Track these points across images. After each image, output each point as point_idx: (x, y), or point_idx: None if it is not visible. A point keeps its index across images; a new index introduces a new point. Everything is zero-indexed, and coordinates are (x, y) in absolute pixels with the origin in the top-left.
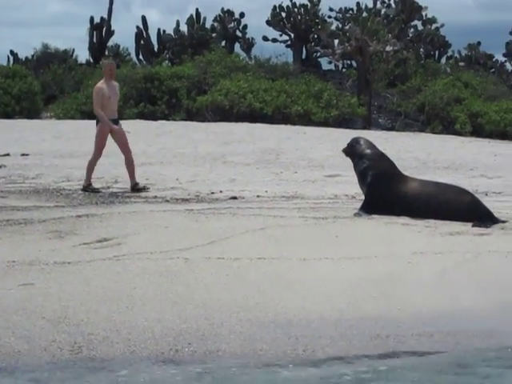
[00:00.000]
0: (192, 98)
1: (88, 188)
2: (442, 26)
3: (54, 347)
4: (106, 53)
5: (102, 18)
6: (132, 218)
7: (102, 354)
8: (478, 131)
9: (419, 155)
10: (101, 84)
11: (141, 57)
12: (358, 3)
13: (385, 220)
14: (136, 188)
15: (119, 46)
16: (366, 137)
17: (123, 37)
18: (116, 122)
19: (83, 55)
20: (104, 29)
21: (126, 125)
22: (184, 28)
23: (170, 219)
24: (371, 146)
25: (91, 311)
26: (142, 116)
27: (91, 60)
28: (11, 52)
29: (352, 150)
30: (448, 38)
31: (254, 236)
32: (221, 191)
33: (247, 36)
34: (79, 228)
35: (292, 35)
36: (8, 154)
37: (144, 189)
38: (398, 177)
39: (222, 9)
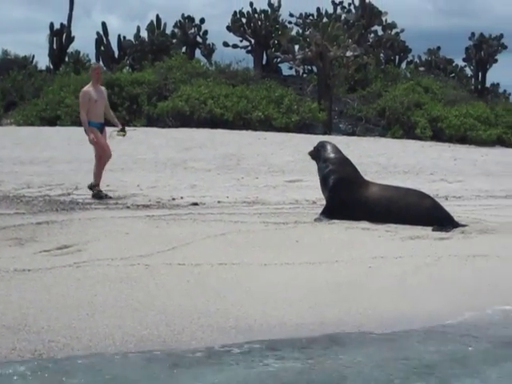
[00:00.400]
0: (153, 103)
1: (97, 193)
2: (402, 31)
3: (14, 355)
4: (66, 59)
5: (62, 25)
6: (92, 225)
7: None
8: (438, 136)
9: (380, 160)
10: (87, 88)
11: (101, 63)
12: (318, 9)
13: (345, 225)
14: (90, 187)
15: (79, 53)
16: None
17: (83, 43)
18: (102, 126)
19: (43, 62)
20: (64, 35)
21: None
22: (144, 34)
23: (131, 225)
24: (336, 150)
25: (52, 318)
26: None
27: (51, 66)
28: None
29: (317, 154)
30: (408, 43)
31: (215, 242)
32: (182, 197)
33: (208, 42)
34: (39, 235)
35: (252, 41)
36: None
37: (101, 197)
38: (360, 182)
39: (183, 15)
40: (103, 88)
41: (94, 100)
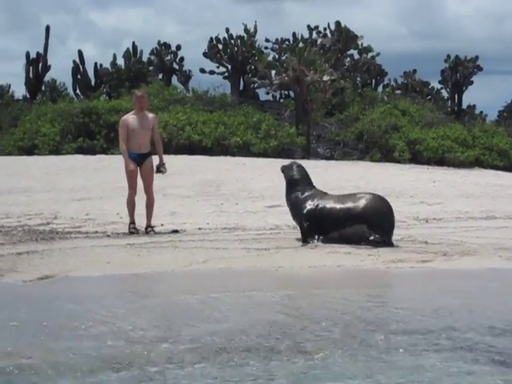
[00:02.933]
0: None
1: (130, 227)
2: (378, 54)
3: None
4: (43, 88)
5: (38, 53)
6: (73, 254)
7: None
8: (416, 158)
9: (359, 183)
10: (127, 116)
11: (78, 91)
12: (293, 34)
13: (327, 249)
14: (147, 231)
15: (56, 81)
16: (306, 166)
17: (60, 71)
18: (143, 157)
19: (20, 91)
20: (40, 64)
21: (65, 160)
22: (121, 61)
23: (112, 254)
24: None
25: None
26: (81, 151)
27: (28, 95)
28: None
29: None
30: (384, 67)
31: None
32: (162, 224)
33: (184, 68)
34: (20, 265)
35: (229, 67)
36: None
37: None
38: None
39: (159, 42)
40: (151, 115)
41: (132, 129)
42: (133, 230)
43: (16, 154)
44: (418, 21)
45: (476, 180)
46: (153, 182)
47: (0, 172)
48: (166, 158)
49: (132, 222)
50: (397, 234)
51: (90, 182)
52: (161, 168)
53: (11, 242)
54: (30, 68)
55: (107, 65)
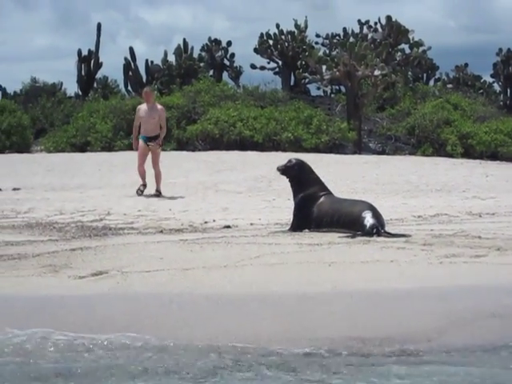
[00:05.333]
0: (182, 127)
1: (139, 188)
2: (429, 48)
3: None
4: (95, 85)
5: (89, 51)
6: (126, 250)
7: None
8: (468, 152)
9: (411, 178)
10: (140, 105)
11: (129, 88)
12: (344, 28)
13: (380, 244)
14: (156, 194)
15: (107, 78)
16: (358, 161)
17: (111, 68)
18: (150, 139)
19: (72, 88)
20: (92, 61)
21: (117, 156)
22: (172, 58)
23: (165, 250)
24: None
25: None
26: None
27: (80, 93)
28: None
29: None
30: (435, 61)
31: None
32: (214, 220)
33: (235, 64)
34: (74, 261)
35: (280, 62)
36: None
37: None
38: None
39: (209, 38)
40: (159, 107)
41: (140, 116)
42: (139, 191)
43: (69, 150)
44: (469, 14)
45: None
46: (158, 158)
47: (53, 169)
48: (218, 154)
49: (142, 185)
50: (450, 229)
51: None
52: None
53: (65, 239)
54: (82, 65)
55: (158, 61)
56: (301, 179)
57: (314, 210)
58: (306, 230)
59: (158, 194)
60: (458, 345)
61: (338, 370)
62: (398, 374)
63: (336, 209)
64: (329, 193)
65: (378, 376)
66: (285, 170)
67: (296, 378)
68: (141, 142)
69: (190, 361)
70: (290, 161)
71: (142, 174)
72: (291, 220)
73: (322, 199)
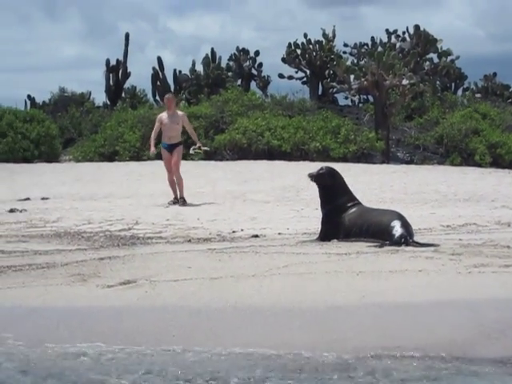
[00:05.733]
0: (210, 137)
1: (172, 200)
2: (458, 57)
3: None
4: (123, 95)
5: (117, 61)
6: (155, 259)
7: None
8: (497, 162)
9: (440, 188)
10: (161, 113)
11: (157, 97)
12: (372, 38)
13: (408, 254)
14: (180, 201)
15: (136, 88)
16: (386, 170)
17: (139, 78)
18: (170, 147)
19: (100, 98)
20: (120, 71)
21: (146, 166)
22: (200, 68)
23: (193, 259)
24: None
25: None
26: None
27: (108, 102)
28: (28, 96)
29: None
30: (464, 70)
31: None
32: (242, 230)
33: (263, 74)
34: (102, 270)
35: (308, 72)
36: (28, 199)
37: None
38: None
39: (237, 47)
40: (180, 113)
41: (164, 124)
42: (170, 202)
43: (97, 160)
44: (497, 23)
45: None
46: (178, 165)
47: (82, 178)
48: (246, 164)
49: (175, 198)
50: (478, 239)
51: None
52: (197, 146)
53: (93, 248)
54: (111, 75)
55: (186, 71)
56: (331, 188)
57: (343, 220)
58: (335, 240)
59: (183, 201)
60: (490, 356)
61: (365, 380)
62: None
63: (365, 218)
64: (358, 203)
65: None
66: (316, 178)
67: None
68: (164, 150)
69: (230, 368)
70: (321, 168)
71: (172, 184)
72: (319, 229)
73: (351, 209)
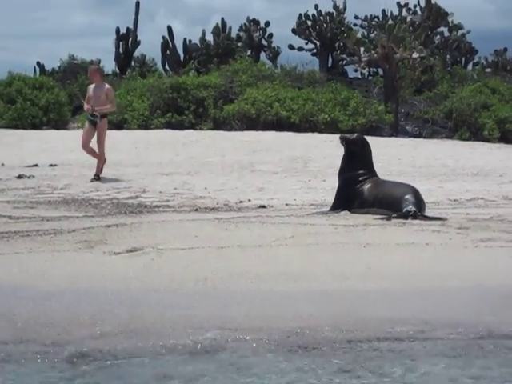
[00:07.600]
0: (219, 107)
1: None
2: (469, 32)
3: None
4: (132, 63)
5: (127, 29)
6: (162, 228)
7: None
8: (506, 137)
9: (448, 162)
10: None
11: (167, 67)
12: (383, 11)
13: (416, 227)
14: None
15: (145, 57)
16: (394, 144)
17: (149, 47)
18: (94, 119)
19: (109, 66)
20: (130, 39)
21: (154, 134)
22: (210, 37)
23: (200, 228)
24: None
25: None
26: (170, 126)
27: (117, 71)
28: (38, 63)
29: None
30: (474, 45)
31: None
32: (249, 200)
33: (273, 45)
34: (109, 238)
35: (318, 43)
36: (36, 165)
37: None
38: None
39: (248, 18)
40: (107, 86)
41: (88, 95)
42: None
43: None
44: None
45: None
46: (102, 138)
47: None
48: (254, 134)
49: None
50: (486, 213)
51: (178, 157)
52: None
53: (100, 215)
54: (120, 43)
55: (196, 41)
56: (357, 156)
57: (361, 190)
58: (346, 211)
59: (97, 177)
60: (504, 332)
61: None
62: (435, 363)
63: (380, 189)
64: (376, 176)
65: (424, 362)
66: (348, 142)
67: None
68: (87, 122)
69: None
70: (354, 134)
71: (90, 153)
72: (334, 197)
73: (369, 180)
